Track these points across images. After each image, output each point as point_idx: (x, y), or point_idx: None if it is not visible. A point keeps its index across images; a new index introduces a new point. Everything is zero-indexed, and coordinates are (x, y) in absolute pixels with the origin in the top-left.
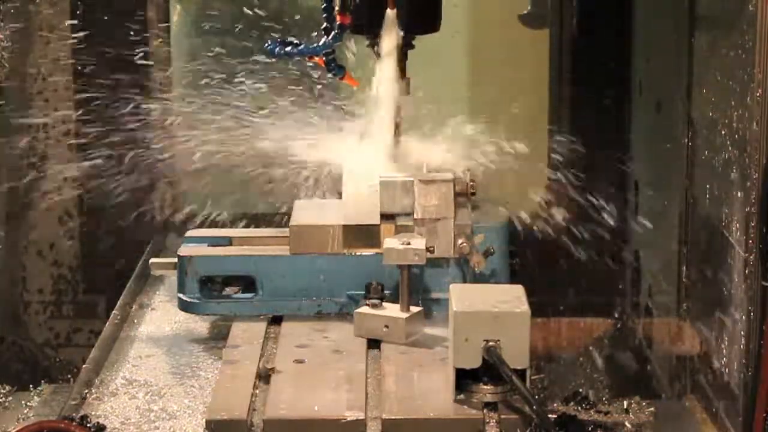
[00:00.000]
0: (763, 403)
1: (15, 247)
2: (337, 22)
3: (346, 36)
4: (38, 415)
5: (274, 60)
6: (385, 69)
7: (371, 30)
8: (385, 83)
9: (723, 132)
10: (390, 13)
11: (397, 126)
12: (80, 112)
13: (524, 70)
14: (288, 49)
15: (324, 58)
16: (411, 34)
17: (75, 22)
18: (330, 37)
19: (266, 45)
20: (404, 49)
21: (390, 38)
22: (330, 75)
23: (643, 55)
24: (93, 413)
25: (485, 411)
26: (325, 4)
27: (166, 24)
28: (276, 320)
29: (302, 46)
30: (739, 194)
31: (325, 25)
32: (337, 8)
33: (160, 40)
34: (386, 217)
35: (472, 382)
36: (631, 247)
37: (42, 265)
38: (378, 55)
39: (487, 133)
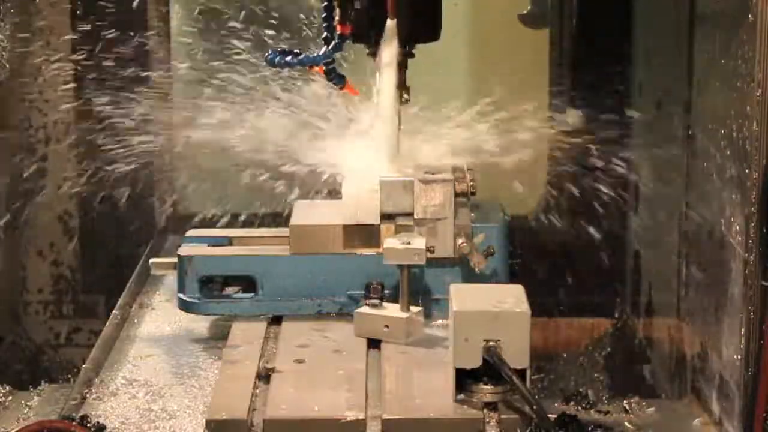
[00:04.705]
0: (763, 403)
1: (15, 247)
2: (337, 32)
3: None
4: (38, 415)
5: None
6: (386, 78)
7: (372, 39)
8: (386, 92)
9: (723, 132)
10: (390, 23)
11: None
12: (80, 112)
13: (524, 70)
14: (288, 59)
15: (324, 68)
16: (411, 43)
17: (74, 21)
18: (330, 47)
19: (266, 55)
20: (404, 58)
21: (390, 48)
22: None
23: (643, 55)
24: (93, 413)
25: (485, 411)
26: (325, 14)
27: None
28: (276, 320)
29: (302, 56)
30: (738, 195)
31: (325, 34)
32: (337, 18)
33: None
34: (386, 217)
35: (472, 382)
36: (631, 247)
37: (42, 265)
38: (378, 64)
39: (486, 133)
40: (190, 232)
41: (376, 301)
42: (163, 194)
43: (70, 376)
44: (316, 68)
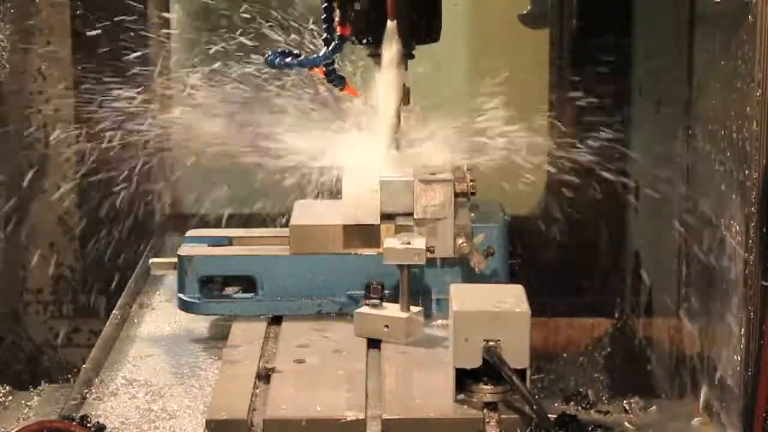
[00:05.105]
0: (763, 403)
1: (15, 247)
2: (337, 33)
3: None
4: (38, 415)
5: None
6: (386, 79)
7: (372, 41)
8: (386, 94)
9: (722, 132)
10: (390, 24)
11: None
12: (80, 111)
13: (524, 70)
14: (288, 60)
15: (324, 69)
16: (411, 44)
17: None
18: (330, 48)
19: (266, 56)
20: (404, 59)
21: (390, 49)
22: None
23: (643, 55)
24: (93, 413)
25: (485, 411)
26: (325, 15)
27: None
28: (276, 320)
29: (302, 57)
30: (738, 195)
31: (325, 36)
32: (337, 19)
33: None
34: (386, 217)
35: (472, 382)
36: (631, 247)
37: (42, 265)
38: (378, 65)
39: (486, 134)
40: (190, 232)
41: (376, 301)
42: (163, 193)
43: (70, 376)
44: (316, 69)
